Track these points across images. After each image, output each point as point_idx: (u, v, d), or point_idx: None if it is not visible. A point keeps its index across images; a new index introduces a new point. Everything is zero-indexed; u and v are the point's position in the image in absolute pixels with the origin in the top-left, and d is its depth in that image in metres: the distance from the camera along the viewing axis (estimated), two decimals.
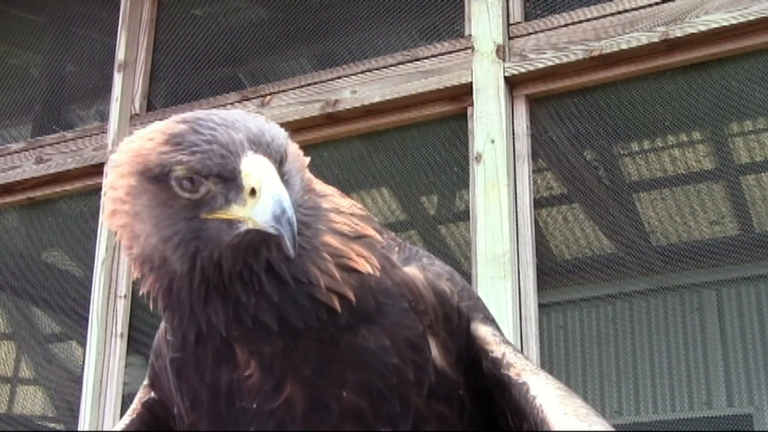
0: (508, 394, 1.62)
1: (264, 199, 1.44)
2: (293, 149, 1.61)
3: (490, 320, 1.75)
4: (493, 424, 1.71)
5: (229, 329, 1.53)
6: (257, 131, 1.50)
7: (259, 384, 1.55)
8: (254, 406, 1.56)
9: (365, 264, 1.58)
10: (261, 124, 1.52)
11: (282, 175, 1.50)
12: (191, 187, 1.48)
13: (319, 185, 1.66)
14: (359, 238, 1.61)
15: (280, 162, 1.50)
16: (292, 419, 1.55)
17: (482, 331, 1.69)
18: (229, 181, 1.46)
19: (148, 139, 1.52)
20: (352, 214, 1.64)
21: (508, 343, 1.69)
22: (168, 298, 1.58)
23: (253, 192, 1.45)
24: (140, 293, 1.63)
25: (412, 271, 1.66)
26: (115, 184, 1.57)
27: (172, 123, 1.53)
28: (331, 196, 1.65)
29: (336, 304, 1.53)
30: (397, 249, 1.69)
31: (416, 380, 1.58)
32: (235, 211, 1.47)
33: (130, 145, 1.56)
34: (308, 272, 1.53)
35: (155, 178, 1.50)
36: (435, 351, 1.62)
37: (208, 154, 1.46)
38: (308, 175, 1.64)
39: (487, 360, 1.66)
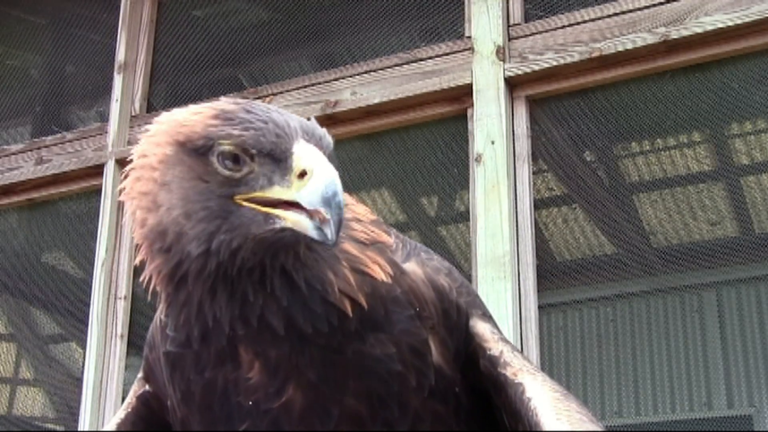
0: (504, 394, 1.60)
1: (316, 180, 1.43)
2: None
3: (488, 317, 1.73)
4: (491, 421, 1.70)
5: (235, 328, 1.51)
6: (311, 124, 1.52)
7: (260, 385, 1.53)
8: (250, 403, 1.54)
9: (379, 271, 1.57)
10: (314, 122, 1.54)
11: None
12: (233, 165, 1.46)
13: None
14: (373, 244, 1.61)
15: (331, 151, 1.52)
16: (288, 420, 1.53)
17: (480, 327, 1.68)
18: (279, 161, 1.45)
19: (194, 113, 1.51)
20: (369, 222, 1.64)
21: (506, 341, 1.68)
22: (170, 285, 1.53)
23: (302, 175, 1.44)
24: (141, 278, 1.58)
25: (411, 267, 1.65)
26: (147, 152, 1.54)
27: (222, 102, 1.53)
28: (351, 206, 1.64)
29: (348, 308, 1.52)
30: (401, 246, 1.69)
31: (417, 385, 1.58)
32: (277, 193, 1.45)
33: (172, 116, 1.54)
34: (323, 278, 1.52)
35: (196, 150, 1.48)
36: (433, 348, 1.61)
37: (263, 131, 1.45)
38: None
39: (485, 358, 1.64)
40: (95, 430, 4.41)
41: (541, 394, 1.55)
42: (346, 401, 1.53)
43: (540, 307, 3.85)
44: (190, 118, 1.51)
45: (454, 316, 1.66)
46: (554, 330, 6.42)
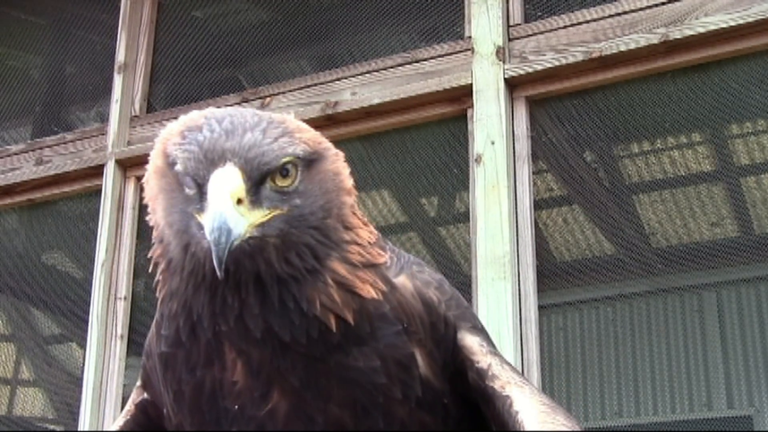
0: (492, 407, 1.61)
1: (207, 214, 1.45)
2: (332, 168, 1.61)
3: (478, 329, 1.73)
4: (482, 430, 1.70)
5: (216, 323, 1.54)
6: (247, 145, 1.49)
7: (245, 389, 1.55)
8: (236, 407, 1.56)
9: (369, 289, 1.58)
10: (260, 138, 1.51)
11: (255, 192, 1.49)
12: (188, 183, 1.52)
13: (353, 218, 1.65)
14: (369, 266, 1.61)
15: (259, 180, 1.49)
16: (273, 425, 1.55)
17: (469, 340, 1.68)
18: (202, 186, 1.49)
19: (179, 123, 1.56)
20: (369, 244, 1.64)
21: (495, 354, 1.68)
22: (166, 273, 1.61)
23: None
24: (149, 254, 1.66)
25: (402, 281, 1.65)
26: (151, 158, 1.62)
27: (197, 115, 1.56)
28: (357, 229, 1.64)
29: (332, 322, 1.53)
30: (395, 260, 1.69)
31: (403, 397, 1.59)
32: (201, 217, 1.50)
33: (174, 123, 1.58)
34: (301, 294, 1.53)
35: (170, 164, 1.54)
36: (420, 360, 1.62)
37: (191, 156, 1.49)
38: (348, 202, 1.63)
39: (473, 371, 1.65)
40: (95, 430, 4.41)
41: (528, 408, 1.56)
42: (330, 409, 1.54)
43: (540, 308, 3.85)
44: (174, 128, 1.56)
45: (442, 329, 1.66)
46: (554, 330, 6.41)
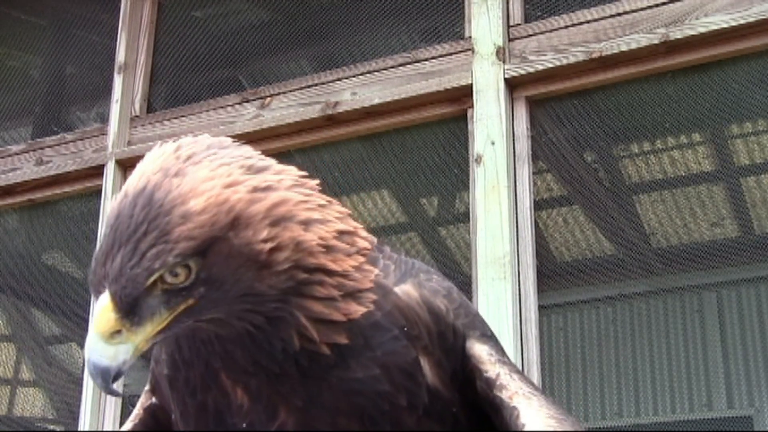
0: (500, 417, 1.60)
1: (85, 344, 1.44)
2: (241, 243, 1.42)
3: (487, 337, 1.71)
4: None
5: (209, 358, 1.53)
6: (113, 273, 1.39)
7: (251, 410, 1.55)
8: (244, 425, 1.55)
9: (357, 309, 1.54)
10: (126, 261, 1.39)
11: (136, 310, 1.40)
12: None
13: (319, 258, 1.51)
14: (353, 292, 1.54)
15: (133, 303, 1.40)
16: None
17: (477, 349, 1.66)
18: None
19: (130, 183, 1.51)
20: (353, 268, 1.55)
21: (504, 362, 1.66)
22: None
23: None
24: None
25: (406, 289, 1.62)
26: None
27: (126, 193, 1.47)
28: (329, 265, 1.52)
29: (323, 349, 1.51)
30: (393, 267, 1.65)
31: (409, 404, 1.57)
32: None
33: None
34: (278, 335, 1.49)
35: None
36: (428, 369, 1.60)
37: (91, 267, 1.44)
38: (280, 258, 1.46)
39: (481, 380, 1.63)
40: (95, 430, 4.41)
41: (535, 420, 1.54)
42: (338, 420, 1.54)
43: (540, 308, 3.84)
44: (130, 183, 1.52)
45: (451, 338, 1.65)
46: (554, 330, 6.42)
